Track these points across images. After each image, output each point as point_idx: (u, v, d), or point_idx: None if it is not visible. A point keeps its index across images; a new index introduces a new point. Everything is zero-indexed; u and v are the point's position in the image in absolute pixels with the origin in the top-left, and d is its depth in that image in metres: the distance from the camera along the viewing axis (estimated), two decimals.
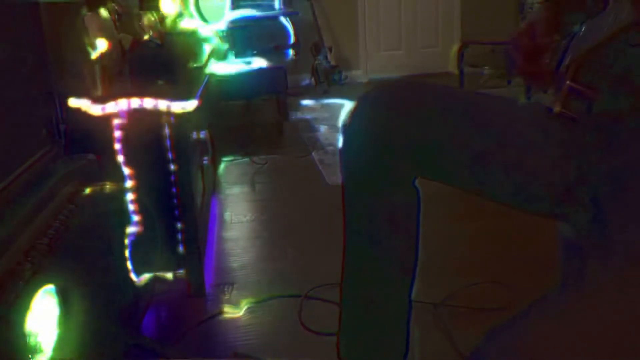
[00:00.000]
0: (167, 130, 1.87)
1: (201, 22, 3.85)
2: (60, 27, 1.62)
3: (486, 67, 5.37)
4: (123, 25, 2.06)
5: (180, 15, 3.38)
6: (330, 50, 6.02)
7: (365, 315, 1.19)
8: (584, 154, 0.96)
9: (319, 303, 1.99)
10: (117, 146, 1.79)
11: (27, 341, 1.08)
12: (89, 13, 1.80)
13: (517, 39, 1.13)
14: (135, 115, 1.80)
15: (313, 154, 3.78)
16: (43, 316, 1.15)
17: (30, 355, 1.08)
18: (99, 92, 1.79)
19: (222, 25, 4.12)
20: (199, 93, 1.96)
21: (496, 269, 2.18)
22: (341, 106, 5.02)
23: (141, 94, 1.81)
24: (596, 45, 0.95)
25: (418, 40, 6.56)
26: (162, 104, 1.83)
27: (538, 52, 1.10)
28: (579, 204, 0.96)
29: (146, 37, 2.33)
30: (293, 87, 5.43)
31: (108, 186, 1.58)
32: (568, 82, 0.96)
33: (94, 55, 1.80)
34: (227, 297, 2.09)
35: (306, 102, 5.39)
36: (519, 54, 1.13)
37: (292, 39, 5.18)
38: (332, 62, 5.98)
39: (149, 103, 1.81)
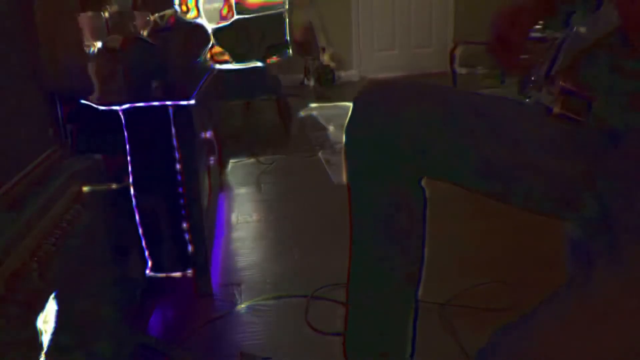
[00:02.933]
0: (172, 130, 1.88)
1: (200, 20, 3.85)
2: (54, 27, 1.62)
3: (480, 67, 5.35)
4: (116, 26, 2.06)
5: (175, 14, 3.38)
6: (323, 50, 6.02)
7: (372, 315, 1.19)
8: (589, 154, 0.95)
9: (326, 303, 1.99)
10: (123, 146, 1.79)
11: (33, 341, 1.08)
12: (83, 13, 1.80)
13: (495, 27, 1.13)
14: (139, 115, 1.80)
15: (320, 153, 3.78)
16: (49, 316, 1.15)
17: (36, 355, 1.09)
18: (94, 93, 1.79)
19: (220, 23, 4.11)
20: (195, 92, 1.95)
21: (502, 269, 2.18)
22: (340, 106, 5.01)
23: (141, 94, 1.82)
24: (588, 46, 0.95)
25: (411, 40, 6.56)
26: (164, 103, 1.83)
27: (512, 42, 1.10)
28: (585, 204, 0.95)
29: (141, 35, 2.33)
30: (289, 87, 5.43)
31: (114, 186, 1.58)
32: (561, 82, 0.96)
33: (88, 55, 1.80)
34: (233, 297, 2.09)
35: (307, 102, 5.38)
36: (493, 38, 1.13)
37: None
38: (325, 62, 5.98)
39: (150, 102, 1.82)
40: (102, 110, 1.77)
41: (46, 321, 1.13)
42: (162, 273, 1.96)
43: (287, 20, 4.58)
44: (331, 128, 4.44)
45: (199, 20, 3.89)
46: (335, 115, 4.82)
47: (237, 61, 4.13)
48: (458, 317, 1.88)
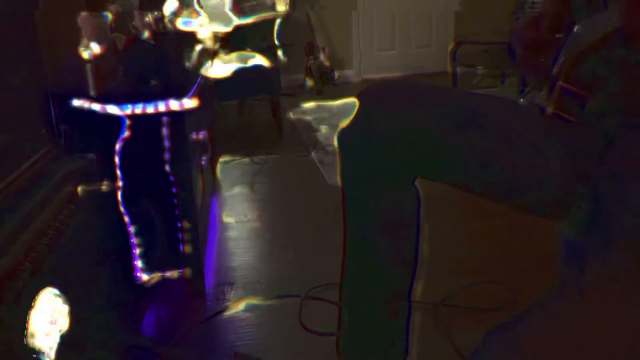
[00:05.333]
0: (166, 130, 1.87)
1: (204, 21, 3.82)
2: (55, 27, 1.61)
3: (480, 67, 5.34)
4: (117, 26, 2.06)
5: (176, 15, 3.36)
6: (324, 50, 6.01)
7: (365, 315, 1.19)
8: (582, 154, 0.96)
9: (319, 303, 1.99)
10: (117, 146, 1.79)
11: (26, 341, 1.08)
12: (84, 13, 1.80)
13: (520, 31, 1.13)
14: (134, 115, 1.80)
15: (313, 153, 3.78)
16: (43, 316, 1.15)
17: (30, 356, 1.08)
18: (93, 93, 1.78)
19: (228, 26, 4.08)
20: (192, 91, 1.95)
21: (496, 269, 2.19)
22: (337, 106, 5.01)
23: (137, 94, 1.81)
24: (587, 47, 0.95)
25: (412, 40, 6.55)
26: (160, 103, 1.82)
27: (539, 47, 1.10)
28: (579, 204, 0.96)
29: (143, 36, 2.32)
30: (287, 87, 5.42)
31: (108, 186, 1.57)
32: (560, 82, 0.96)
33: (88, 55, 1.79)
34: (227, 297, 2.08)
35: (301, 102, 5.38)
36: (520, 46, 1.12)
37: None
38: (325, 62, 5.97)
39: (147, 102, 1.81)
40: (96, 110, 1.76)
41: (39, 321, 1.13)
42: (155, 273, 1.95)
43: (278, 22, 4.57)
44: (324, 128, 4.43)
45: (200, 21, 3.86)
46: (328, 115, 4.82)
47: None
48: (452, 317, 1.88)
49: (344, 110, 4.59)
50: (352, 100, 1.10)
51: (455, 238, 2.45)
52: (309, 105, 5.28)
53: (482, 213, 2.38)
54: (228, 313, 1.98)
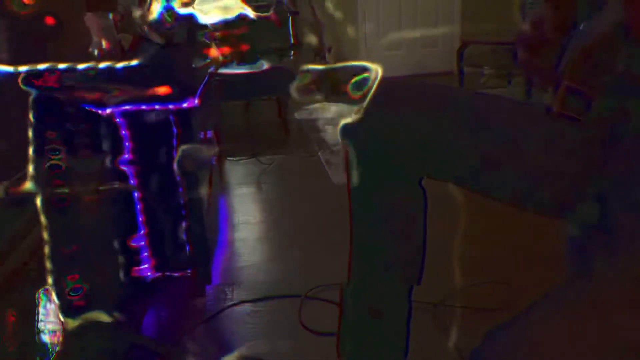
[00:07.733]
0: (173, 129, 1.87)
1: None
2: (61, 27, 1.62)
3: (486, 67, 5.33)
4: (123, 25, 2.06)
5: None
6: (329, 50, 6.00)
7: (366, 316, 1.19)
8: (588, 153, 0.96)
9: (319, 303, 1.98)
10: (123, 145, 1.79)
11: (33, 339, 1.08)
12: (90, 13, 1.80)
13: (522, 34, 1.13)
14: (140, 114, 1.80)
15: (319, 154, 3.77)
16: (48, 314, 1.15)
17: (36, 353, 1.09)
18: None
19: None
20: (199, 91, 1.95)
21: (497, 268, 2.18)
22: (344, 106, 4.99)
23: (143, 93, 1.81)
24: (591, 44, 0.96)
25: (418, 40, 6.54)
26: (166, 102, 1.83)
27: (540, 48, 1.10)
28: (584, 204, 0.95)
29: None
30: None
31: (114, 186, 1.58)
32: (566, 81, 0.96)
33: (95, 55, 1.80)
34: (227, 297, 2.08)
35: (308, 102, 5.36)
36: (521, 48, 1.13)
37: (292, 40, 5.13)
38: (331, 62, 5.96)
39: (152, 102, 1.81)
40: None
41: (44, 320, 1.13)
42: (162, 273, 1.95)
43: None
44: (330, 128, 4.42)
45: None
46: (335, 115, 4.81)
47: (243, 63, 4.09)
48: (452, 317, 1.88)
49: (350, 111, 4.56)
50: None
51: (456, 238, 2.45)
52: (316, 105, 5.26)
53: (484, 213, 2.38)
54: (229, 313, 1.98)
